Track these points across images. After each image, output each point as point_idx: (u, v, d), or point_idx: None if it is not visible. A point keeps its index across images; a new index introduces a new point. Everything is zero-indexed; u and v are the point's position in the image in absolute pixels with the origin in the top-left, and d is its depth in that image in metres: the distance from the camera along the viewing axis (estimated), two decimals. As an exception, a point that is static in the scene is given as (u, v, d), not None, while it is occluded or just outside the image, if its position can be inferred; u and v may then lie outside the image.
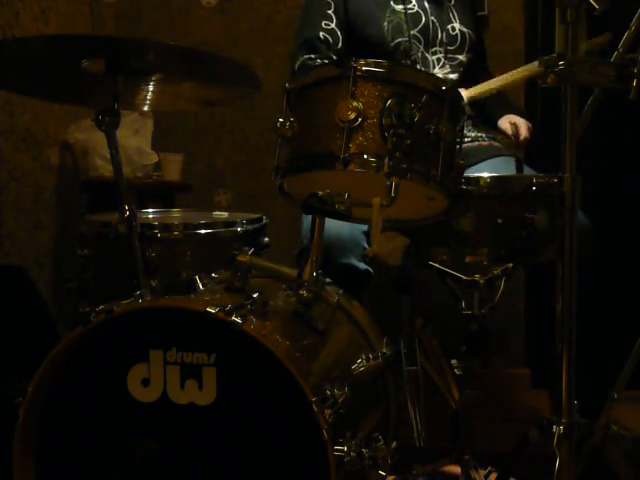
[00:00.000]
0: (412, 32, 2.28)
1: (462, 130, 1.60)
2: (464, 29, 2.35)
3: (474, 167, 2.20)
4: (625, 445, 1.71)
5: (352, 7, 2.33)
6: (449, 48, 2.32)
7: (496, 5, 3.01)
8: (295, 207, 1.66)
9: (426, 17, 2.30)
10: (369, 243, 2.04)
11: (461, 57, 2.34)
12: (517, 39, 3.04)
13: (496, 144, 2.36)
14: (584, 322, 1.53)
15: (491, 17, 2.99)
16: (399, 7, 2.30)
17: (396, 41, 2.27)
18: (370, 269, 2.03)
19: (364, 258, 2.01)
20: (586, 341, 1.56)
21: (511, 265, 1.74)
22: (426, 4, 2.32)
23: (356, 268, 2.00)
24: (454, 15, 2.35)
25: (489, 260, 1.73)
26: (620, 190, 2.95)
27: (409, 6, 2.31)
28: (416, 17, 2.30)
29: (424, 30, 2.30)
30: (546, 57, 1.42)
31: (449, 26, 2.32)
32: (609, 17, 1.44)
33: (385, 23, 2.28)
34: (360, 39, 2.31)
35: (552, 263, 1.52)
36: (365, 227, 1.97)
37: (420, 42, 2.29)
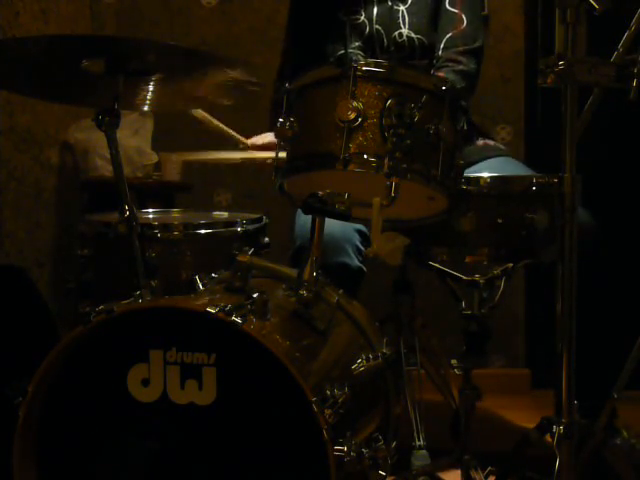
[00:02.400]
0: (357, 43, 2.26)
1: (462, 130, 1.60)
2: (412, 35, 2.24)
3: (472, 167, 2.19)
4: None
5: (305, 26, 2.34)
6: (399, 55, 2.24)
7: (496, 5, 3.01)
8: (295, 207, 1.66)
9: (370, 26, 2.25)
10: (362, 241, 2.04)
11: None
12: (517, 39, 3.04)
13: (490, 143, 2.35)
14: (584, 322, 1.53)
15: (491, 17, 3.00)
16: (345, 19, 2.26)
17: (338, 53, 2.25)
18: (363, 267, 2.02)
19: (357, 256, 2.01)
20: (586, 341, 1.56)
21: (511, 265, 1.74)
22: (374, 11, 2.27)
23: (349, 266, 1.99)
24: (404, 20, 2.26)
25: (489, 260, 1.73)
26: (619, 190, 2.95)
27: (356, 16, 2.28)
28: (361, 28, 2.26)
29: (368, 40, 2.26)
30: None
31: (396, 32, 2.24)
32: (609, 17, 1.44)
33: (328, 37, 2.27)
34: (310, 54, 2.29)
35: (552, 263, 1.52)
36: (358, 225, 1.97)
37: (366, 52, 2.25)
